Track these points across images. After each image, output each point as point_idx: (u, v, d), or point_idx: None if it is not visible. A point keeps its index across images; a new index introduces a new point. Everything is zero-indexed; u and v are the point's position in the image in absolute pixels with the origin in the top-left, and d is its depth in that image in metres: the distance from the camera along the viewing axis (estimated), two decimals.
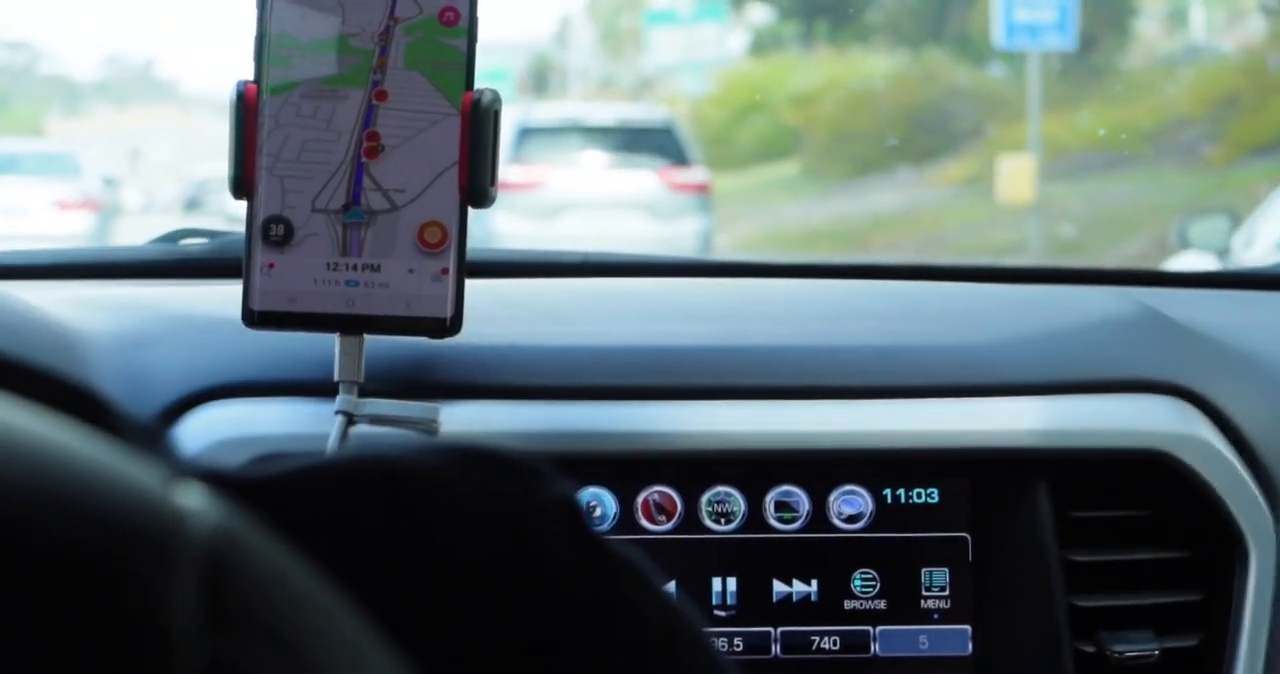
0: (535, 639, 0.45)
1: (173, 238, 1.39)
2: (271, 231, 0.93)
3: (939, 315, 1.20)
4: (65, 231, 11.93)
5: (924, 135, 15.68)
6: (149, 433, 0.42)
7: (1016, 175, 12.54)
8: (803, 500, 1.09)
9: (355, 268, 0.93)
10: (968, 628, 1.09)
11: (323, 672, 0.36)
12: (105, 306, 1.13)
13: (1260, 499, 1.10)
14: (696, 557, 1.08)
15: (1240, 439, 1.12)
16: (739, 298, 1.24)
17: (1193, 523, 1.11)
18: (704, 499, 1.08)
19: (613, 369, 1.08)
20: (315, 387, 1.01)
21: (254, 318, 0.94)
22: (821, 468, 1.09)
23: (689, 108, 16.59)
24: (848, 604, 1.09)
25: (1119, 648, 1.08)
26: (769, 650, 1.08)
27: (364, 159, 0.93)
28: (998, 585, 1.09)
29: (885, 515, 1.09)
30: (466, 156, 0.93)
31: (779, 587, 1.08)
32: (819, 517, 1.09)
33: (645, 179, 11.25)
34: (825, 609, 1.08)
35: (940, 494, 1.10)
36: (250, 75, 0.93)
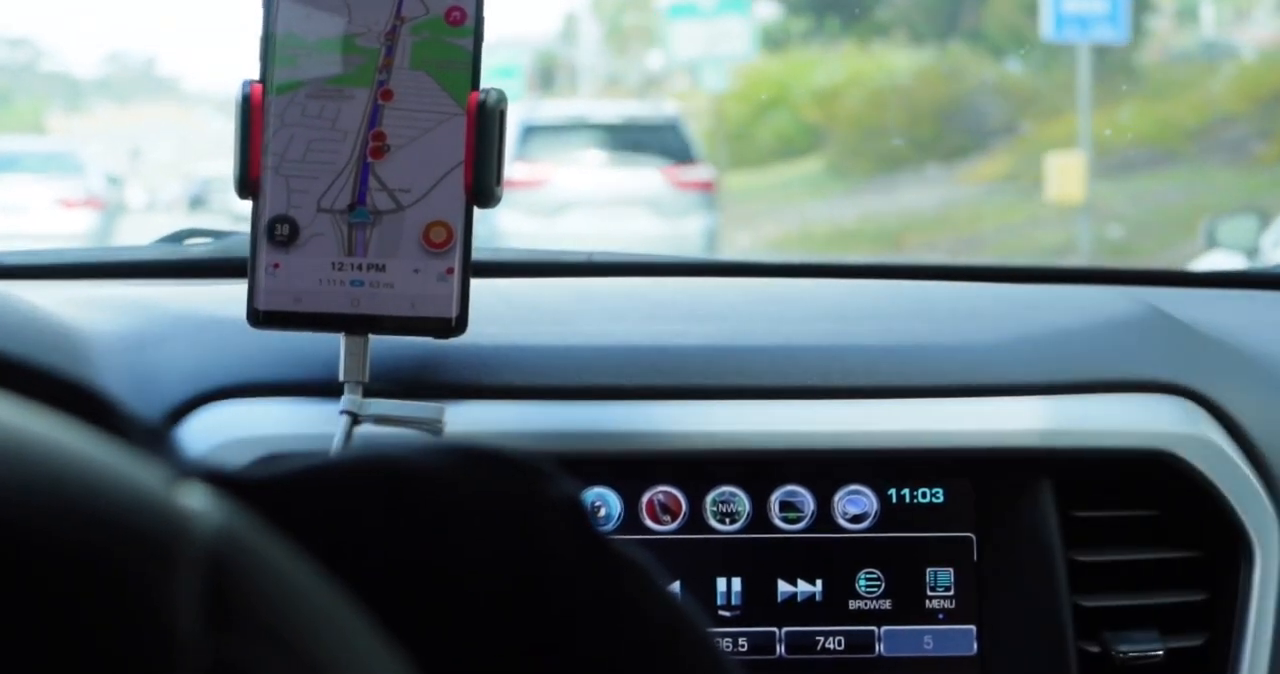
0: (539, 640, 0.45)
1: (177, 238, 1.39)
2: (277, 231, 0.93)
3: (944, 315, 1.20)
4: (68, 230, 11.90)
5: (953, 132, 15.42)
6: (153, 433, 0.42)
7: (1066, 173, 11.91)
8: (807, 500, 1.09)
9: (360, 268, 0.93)
10: (972, 628, 1.09)
11: (326, 672, 0.36)
12: (110, 307, 1.13)
13: (1265, 499, 1.10)
14: (701, 557, 1.08)
15: (1245, 439, 1.12)
16: (743, 298, 1.24)
17: (1197, 523, 1.11)
18: (708, 499, 1.08)
19: (617, 369, 1.08)
20: (320, 387, 1.01)
21: (259, 318, 0.94)
22: (826, 468, 1.09)
23: (708, 103, 16.47)
24: (852, 604, 1.09)
25: (1124, 648, 1.08)
26: (774, 651, 1.08)
27: (369, 159, 0.93)
28: (1002, 585, 1.09)
29: (890, 515, 1.09)
30: (472, 156, 0.93)
31: (784, 587, 1.08)
32: (824, 517, 1.09)
33: (650, 177, 11.23)
34: (830, 609, 1.08)
35: (945, 494, 1.10)
36: (255, 75, 0.93)
